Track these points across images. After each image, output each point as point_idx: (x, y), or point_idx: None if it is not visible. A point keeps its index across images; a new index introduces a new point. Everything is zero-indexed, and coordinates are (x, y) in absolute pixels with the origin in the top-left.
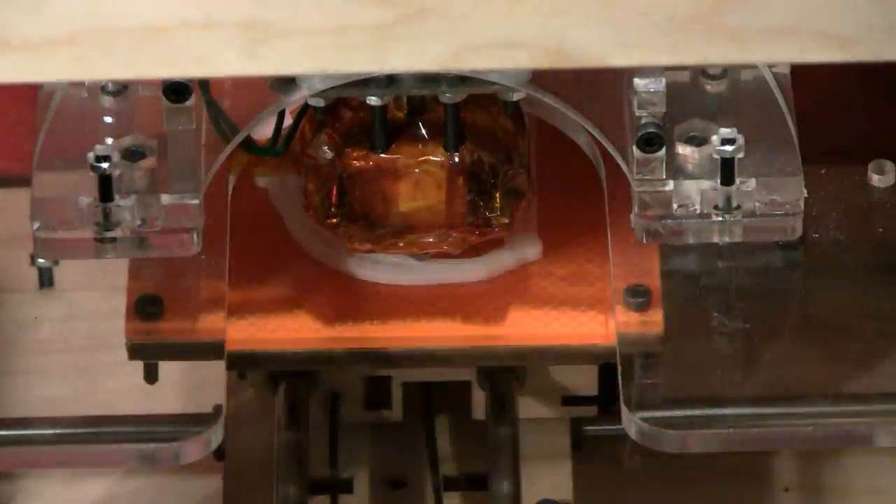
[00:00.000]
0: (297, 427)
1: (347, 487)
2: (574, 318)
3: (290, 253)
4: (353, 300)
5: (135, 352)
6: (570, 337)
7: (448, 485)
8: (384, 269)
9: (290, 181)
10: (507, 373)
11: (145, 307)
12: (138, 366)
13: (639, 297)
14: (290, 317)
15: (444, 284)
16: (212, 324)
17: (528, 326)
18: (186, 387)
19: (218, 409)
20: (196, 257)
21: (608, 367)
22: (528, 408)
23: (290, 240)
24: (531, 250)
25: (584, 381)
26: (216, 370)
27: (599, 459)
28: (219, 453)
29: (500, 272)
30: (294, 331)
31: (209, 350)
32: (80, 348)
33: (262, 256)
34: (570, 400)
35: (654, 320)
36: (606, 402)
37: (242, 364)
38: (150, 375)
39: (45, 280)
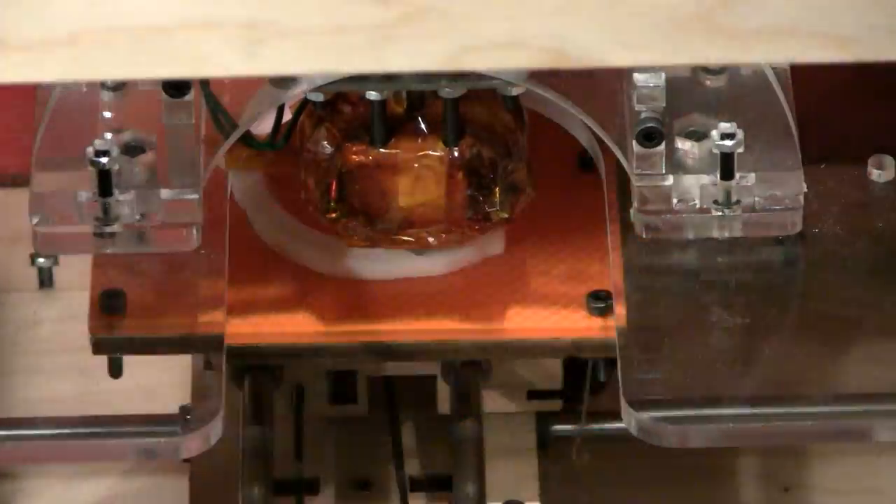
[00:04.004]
0: (261, 422)
1: (313, 488)
2: (537, 312)
3: (252, 248)
4: (313, 294)
5: (99, 346)
6: (534, 331)
7: (413, 485)
8: (345, 262)
9: (254, 176)
10: (471, 367)
11: (108, 301)
12: (138, 366)
13: (600, 301)
14: (247, 310)
15: (407, 278)
16: (177, 319)
17: (491, 320)
18: (186, 387)
19: (217, 405)
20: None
21: (573, 360)
22: (493, 401)
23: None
24: (495, 244)
25: (550, 374)
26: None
27: (566, 458)
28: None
29: (463, 266)
30: (255, 325)
31: (173, 344)
32: (80, 348)
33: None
34: (535, 394)
35: (615, 325)
36: (571, 395)
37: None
38: (115, 371)
39: (45, 280)
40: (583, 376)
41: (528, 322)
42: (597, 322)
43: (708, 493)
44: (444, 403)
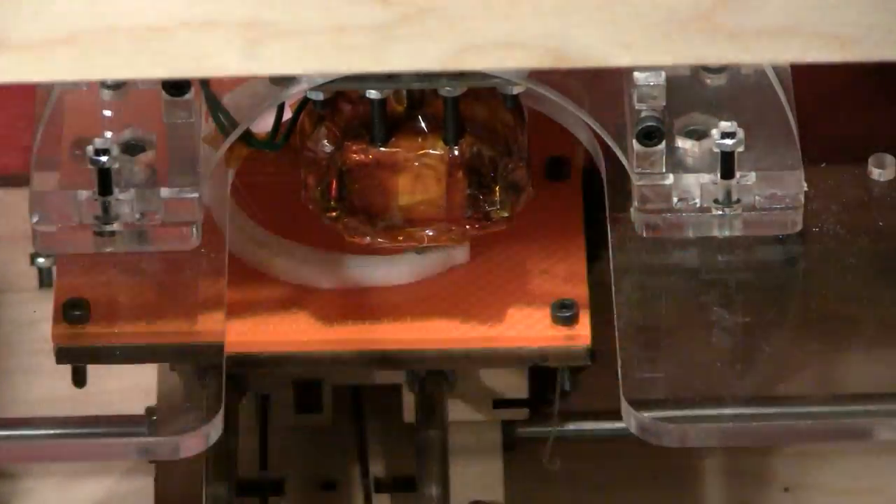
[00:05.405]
0: (226, 428)
1: (277, 489)
2: (502, 321)
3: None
4: (275, 303)
5: (61, 356)
6: (498, 340)
7: (378, 487)
8: (308, 270)
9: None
10: (436, 376)
11: (71, 310)
12: (138, 366)
13: (565, 310)
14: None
15: (370, 287)
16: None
17: (455, 330)
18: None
19: (216, 404)
20: (120, 258)
21: (539, 369)
22: (459, 410)
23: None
24: (459, 253)
25: (516, 383)
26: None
27: (531, 460)
28: None
29: (427, 275)
30: (233, 333)
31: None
32: None
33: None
34: (500, 403)
35: (580, 334)
36: (537, 404)
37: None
38: (78, 380)
39: (45, 280)
40: (549, 384)
41: (492, 331)
42: (562, 331)
43: (708, 493)
44: (409, 412)
